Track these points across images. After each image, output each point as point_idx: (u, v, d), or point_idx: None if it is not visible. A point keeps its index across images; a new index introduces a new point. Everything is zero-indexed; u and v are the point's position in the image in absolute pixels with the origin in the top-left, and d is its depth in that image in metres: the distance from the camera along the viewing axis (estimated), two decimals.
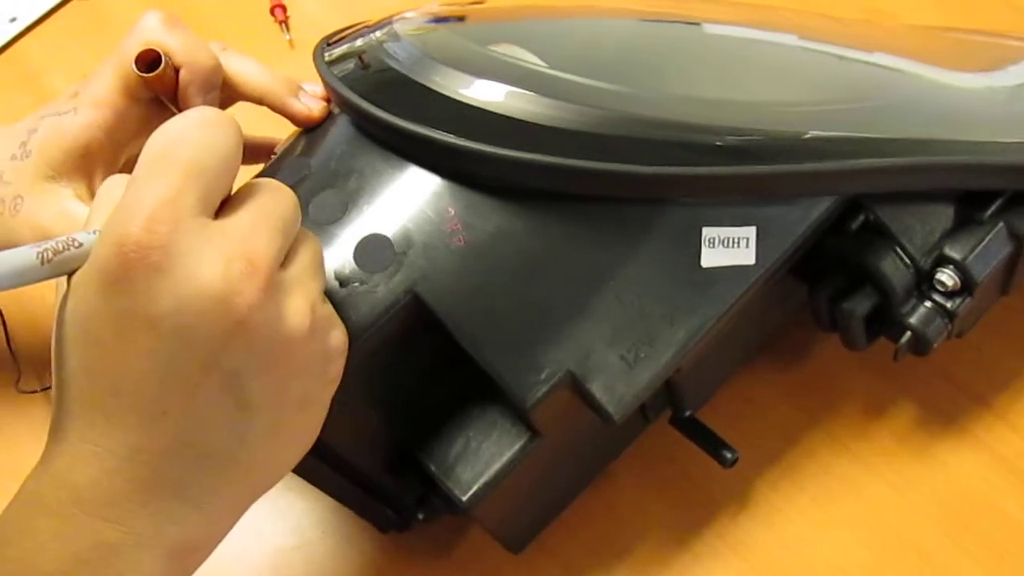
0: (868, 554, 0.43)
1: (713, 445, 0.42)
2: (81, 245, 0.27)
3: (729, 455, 0.42)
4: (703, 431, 0.43)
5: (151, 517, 0.27)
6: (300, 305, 0.28)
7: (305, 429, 0.31)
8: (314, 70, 0.40)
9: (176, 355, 0.26)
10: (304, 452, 0.31)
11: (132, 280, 0.26)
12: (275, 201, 0.29)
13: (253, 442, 0.29)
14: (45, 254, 0.26)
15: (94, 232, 0.28)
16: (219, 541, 0.30)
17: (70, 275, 0.28)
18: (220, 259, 0.27)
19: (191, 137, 0.28)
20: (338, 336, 0.31)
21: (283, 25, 0.68)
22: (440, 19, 0.44)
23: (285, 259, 0.29)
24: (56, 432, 0.28)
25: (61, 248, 0.27)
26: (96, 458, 0.27)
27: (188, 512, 0.28)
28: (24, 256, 0.26)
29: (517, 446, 0.36)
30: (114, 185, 0.29)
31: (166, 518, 0.28)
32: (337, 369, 0.31)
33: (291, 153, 0.38)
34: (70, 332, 0.27)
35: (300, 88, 0.39)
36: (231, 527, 0.31)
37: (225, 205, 0.29)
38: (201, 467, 0.28)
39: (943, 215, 0.40)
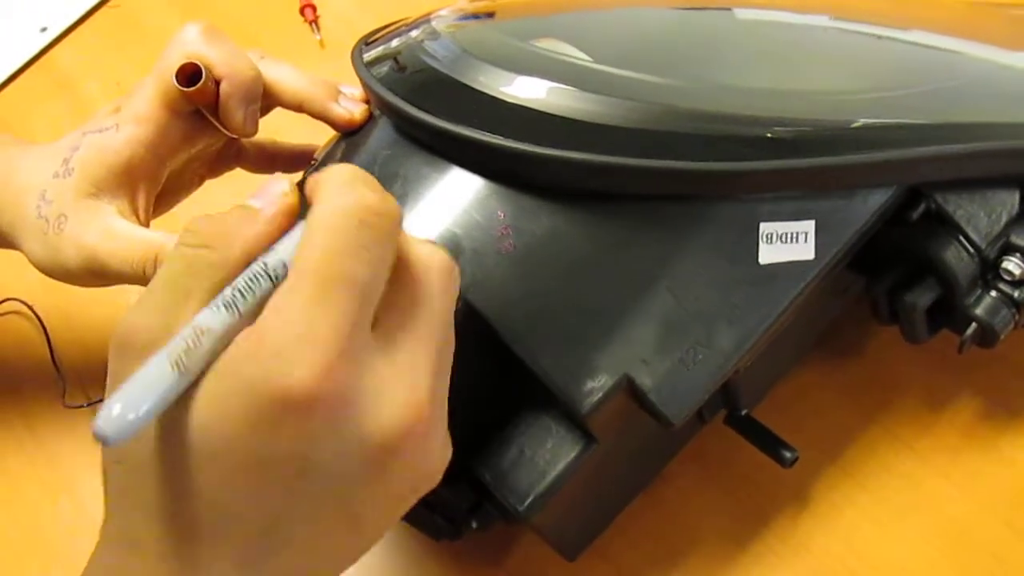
0: (935, 553, 0.42)
1: (771, 444, 0.41)
2: (206, 331, 0.24)
3: (788, 454, 0.40)
4: (760, 430, 0.41)
5: None
6: (442, 442, 0.27)
7: (393, 522, 0.29)
8: (346, 69, 0.39)
9: (313, 502, 0.25)
10: None
11: (295, 427, 0.23)
12: (444, 306, 0.26)
13: (347, 553, 0.28)
14: (180, 363, 0.23)
15: (217, 308, 0.24)
16: None
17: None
18: (393, 406, 0.24)
19: (361, 248, 0.24)
20: (449, 454, 0.28)
21: (313, 25, 0.67)
22: (473, 16, 0.43)
23: None
24: (156, 547, 0.25)
25: (192, 345, 0.23)
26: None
27: None
28: (161, 371, 0.23)
29: (573, 453, 0.35)
30: (200, 229, 0.26)
31: None
32: (441, 473, 0.29)
33: (332, 159, 0.38)
34: (195, 453, 0.24)
35: (339, 92, 0.38)
36: None
37: (385, 308, 0.25)
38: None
39: (1008, 202, 0.38)
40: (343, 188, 0.25)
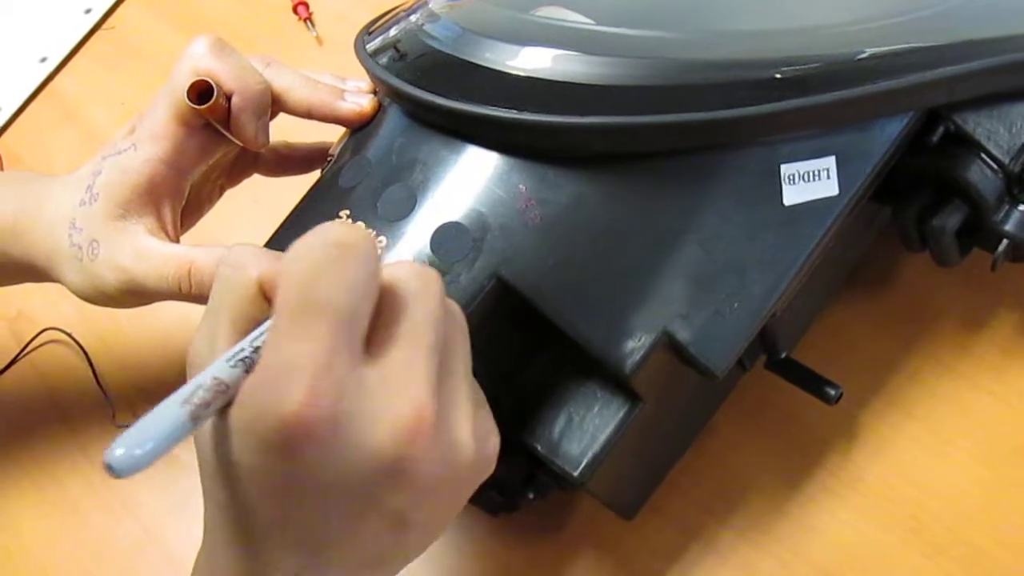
0: (987, 472, 0.42)
1: (814, 383, 0.41)
2: (228, 388, 0.25)
3: (832, 391, 0.40)
4: (802, 371, 0.42)
5: None
6: (464, 435, 0.27)
7: (454, 513, 0.31)
8: (346, 63, 0.39)
9: (343, 510, 0.27)
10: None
11: (297, 453, 0.25)
12: (424, 309, 0.27)
13: (412, 544, 0.29)
14: (197, 411, 0.24)
15: (235, 363, 0.26)
16: None
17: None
18: (387, 419, 0.25)
19: (332, 277, 0.25)
20: (495, 442, 0.30)
21: (307, 22, 0.67)
22: None
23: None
24: (231, 539, 0.28)
25: (210, 399, 0.25)
26: (275, 571, 0.27)
27: None
28: (174, 417, 0.24)
29: (620, 414, 0.36)
30: (231, 264, 0.28)
31: None
32: (491, 470, 0.30)
33: (347, 153, 0.38)
34: (239, 471, 0.26)
35: (344, 91, 0.39)
36: None
37: (373, 331, 0.27)
38: (366, 570, 0.29)
39: None
40: (312, 232, 0.26)
